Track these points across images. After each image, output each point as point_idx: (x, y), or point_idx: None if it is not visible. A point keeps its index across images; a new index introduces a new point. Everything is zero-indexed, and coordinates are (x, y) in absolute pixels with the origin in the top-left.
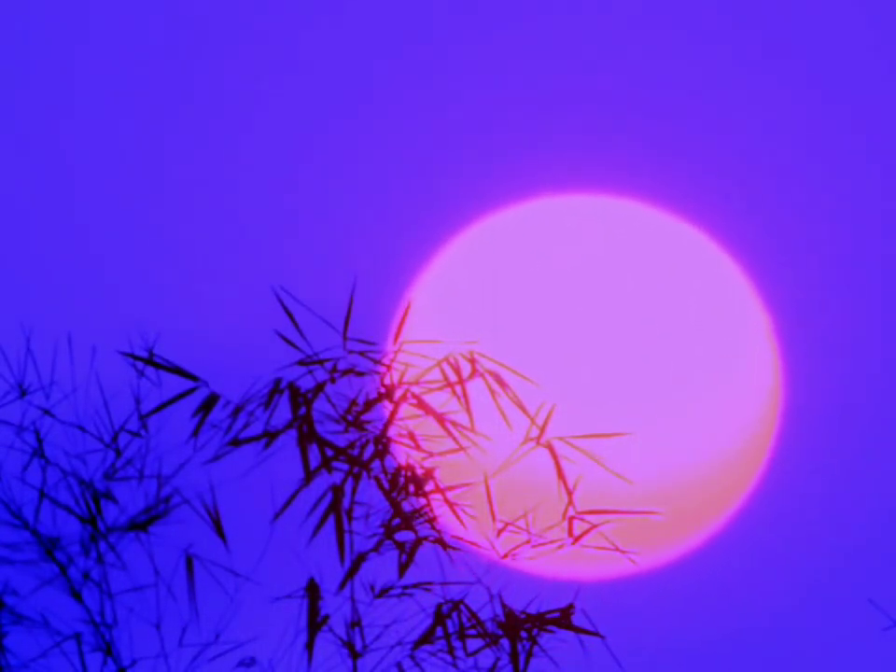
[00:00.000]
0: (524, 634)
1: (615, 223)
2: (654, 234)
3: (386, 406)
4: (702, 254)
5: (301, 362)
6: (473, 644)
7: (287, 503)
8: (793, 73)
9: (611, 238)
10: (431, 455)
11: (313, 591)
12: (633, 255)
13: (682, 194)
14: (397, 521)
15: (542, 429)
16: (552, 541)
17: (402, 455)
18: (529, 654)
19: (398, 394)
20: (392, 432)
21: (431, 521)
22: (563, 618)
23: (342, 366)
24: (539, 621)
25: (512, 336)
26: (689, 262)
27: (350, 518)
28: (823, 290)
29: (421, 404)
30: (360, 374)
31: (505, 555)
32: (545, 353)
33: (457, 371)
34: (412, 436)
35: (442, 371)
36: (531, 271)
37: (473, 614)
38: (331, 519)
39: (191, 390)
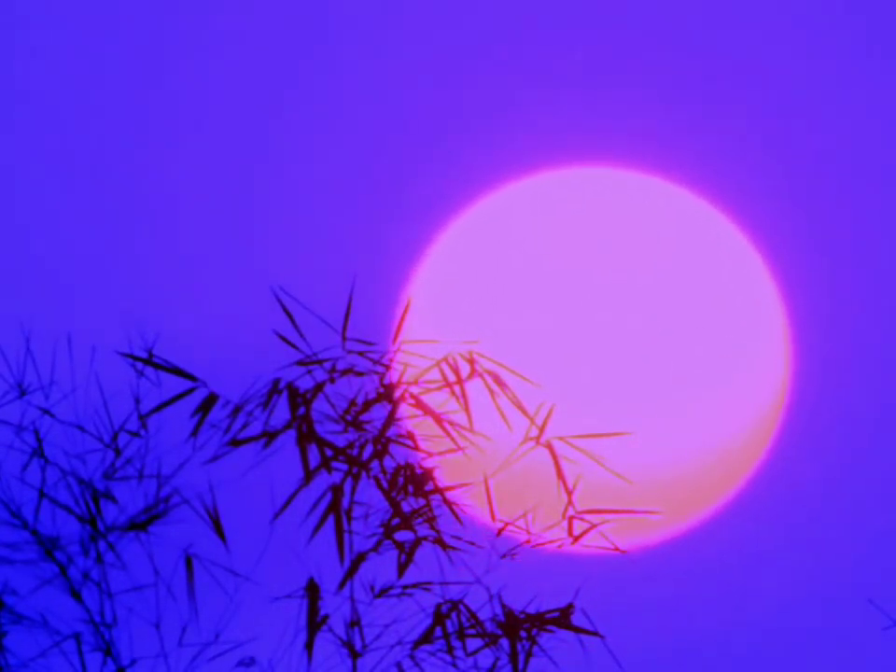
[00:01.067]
0: (523, 634)
1: (618, 200)
2: (663, 211)
3: (385, 406)
4: (715, 233)
5: (300, 362)
6: (473, 644)
7: (287, 503)
8: (818, 47)
9: (614, 218)
10: (430, 455)
11: (312, 591)
12: (638, 237)
13: (702, 173)
14: (396, 521)
15: (542, 429)
16: (551, 541)
17: (401, 455)
18: (529, 654)
19: (397, 394)
20: (391, 432)
21: (430, 521)
22: (562, 618)
23: (341, 366)
24: (539, 620)
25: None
26: (701, 242)
27: (349, 518)
28: (844, 284)
29: (420, 404)
30: (359, 374)
31: (504, 555)
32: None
33: (456, 371)
34: (411, 436)
35: (441, 372)
36: (529, 258)
37: (473, 614)
38: (331, 519)
39: (190, 390)
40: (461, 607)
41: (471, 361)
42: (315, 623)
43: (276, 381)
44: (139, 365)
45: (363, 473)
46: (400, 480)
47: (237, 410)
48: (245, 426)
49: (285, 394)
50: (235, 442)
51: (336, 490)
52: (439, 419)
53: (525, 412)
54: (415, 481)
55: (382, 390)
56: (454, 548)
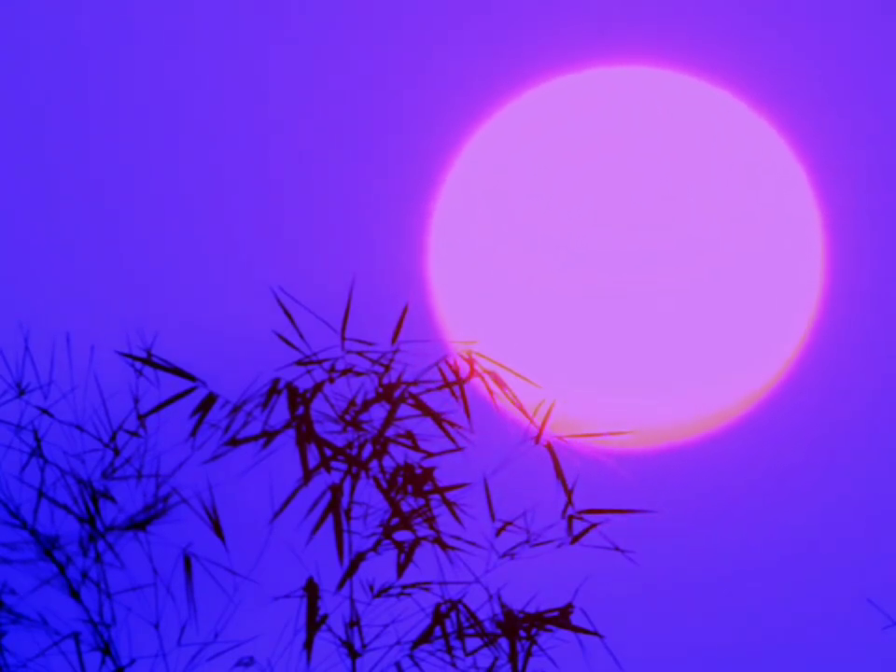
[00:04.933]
0: (522, 633)
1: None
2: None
3: (385, 406)
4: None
5: (299, 362)
6: (472, 644)
7: (286, 503)
8: None
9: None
10: (430, 454)
11: (311, 590)
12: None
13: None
14: (395, 521)
15: (541, 429)
16: (550, 541)
17: (401, 455)
18: (528, 654)
19: (396, 394)
20: (390, 432)
21: (430, 521)
22: (562, 617)
23: (340, 366)
24: (538, 620)
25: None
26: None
27: (349, 518)
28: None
29: (419, 404)
30: (359, 374)
31: (504, 555)
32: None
33: (456, 370)
34: (410, 436)
35: (441, 371)
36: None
37: (472, 614)
38: (330, 519)
39: (190, 390)
40: (460, 606)
41: (471, 361)
42: (314, 622)
43: (276, 381)
44: (138, 365)
45: (362, 473)
46: (400, 480)
47: (236, 409)
48: (244, 425)
49: (284, 394)
50: (234, 442)
51: (335, 490)
52: (439, 419)
53: (524, 411)
54: (415, 481)
55: (381, 390)
56: (453, 548)
